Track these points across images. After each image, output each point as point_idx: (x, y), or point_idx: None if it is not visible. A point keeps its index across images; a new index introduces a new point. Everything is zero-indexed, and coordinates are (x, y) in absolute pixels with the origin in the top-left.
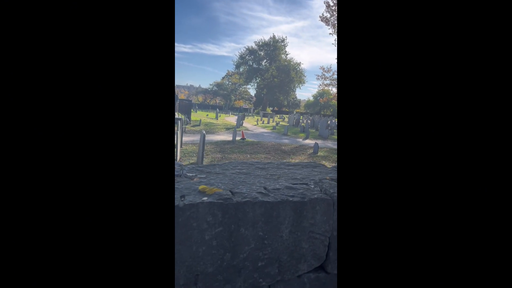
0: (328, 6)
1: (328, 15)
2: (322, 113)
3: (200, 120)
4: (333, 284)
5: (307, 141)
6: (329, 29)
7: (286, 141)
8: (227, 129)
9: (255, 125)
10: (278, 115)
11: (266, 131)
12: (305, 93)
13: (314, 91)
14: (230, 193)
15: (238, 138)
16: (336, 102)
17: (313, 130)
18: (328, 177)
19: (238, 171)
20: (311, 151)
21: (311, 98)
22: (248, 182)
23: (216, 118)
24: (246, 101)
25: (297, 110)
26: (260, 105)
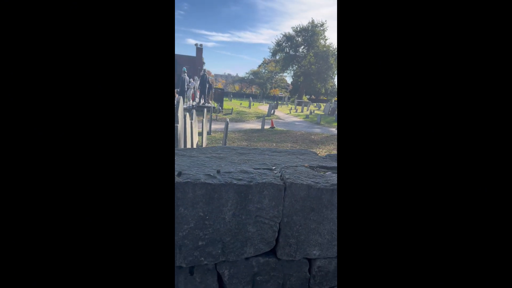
0: None
1: None
2: None
3: (232, 108)
4: (283, 270)
5: None
6: None
7: (317, 130)
8: (258, 117)
9: (288, 113)
10: (314, 104)
11: (298, 120)
12: None
13: None
14: (177, 173)
15: (267, 126)
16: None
17: None
18: (306, 165)
19: (215, 155)
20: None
21: None
22: (207, 165)
23: (249, 106)
24: (282, 89)
25: (335, 99)
26: (296, 93)
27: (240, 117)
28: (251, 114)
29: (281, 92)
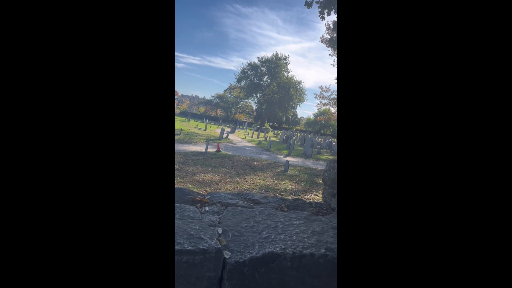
0: (328, 28)
1: (328, 37)
2: (322, 132)
3: (181, 129)
4: None
5: (288, 158)
6: (329, 50)
7: (264, 156)
8: (209, 140)
9: (243, 138)
10: (275, 131)
11: (250, 145)
12: (308, 111)
13: (316, 109)
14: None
15: (213, 150)
16: (336, 122)
17: (301, 148)
18: None
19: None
20: (282, 168)
21: (312, 117)
22: None
23: (205, 129)
24: (247, 115)
25: (297, 128)
26: (259, 120)
27: (189, 139)
28: (202, 137)
29: (245, 118)
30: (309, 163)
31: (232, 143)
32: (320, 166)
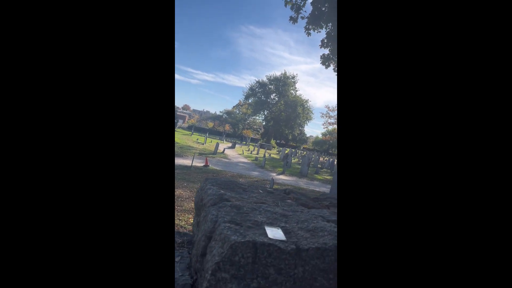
0: (322, 44)
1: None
2: (330, 151)
3: (177, 142)
4: None
5: (280, 176)
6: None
7: (255, 173)
8: (203, 154)
9: (240, 154)
10: (280, 148)
11: (245, 161)
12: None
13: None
14: None
15: (200, 164)
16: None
17: (299, 167)
18: None
19: None
20: (268, 186)
21: (321, 136)
22: None
23: (204, 142)
24: (254, 131)
25: (305, 146)
26: (265, 137)
27: (181, 152)
28: (196, 150)
29: (253, 134)
30: (302, 182)
31: (227, 158)
32: (313, 186)
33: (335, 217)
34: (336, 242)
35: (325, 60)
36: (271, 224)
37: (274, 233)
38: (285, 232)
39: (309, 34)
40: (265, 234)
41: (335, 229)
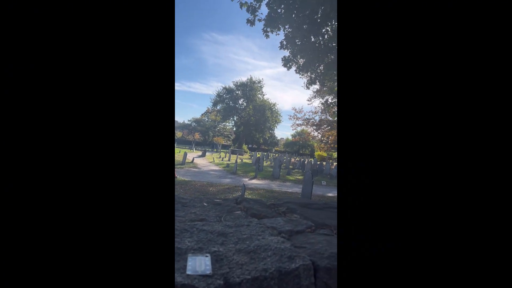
0: (281, 46)
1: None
2: (301, 152)
3: None
4: None
5: (253, 181)
6: (299, 75)
7: (226, 180)
8: None
9: (211, 162)
10: (252, 153)
11: (216, 168)
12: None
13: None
14: None
15: None
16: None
17: (271, 169)
18: None
19: None
20: (240, 193)
21: (290, 138)
22: None
23: None
24: (225, 138)
25: (277, 148)
26: (237, 142)
27: None
28: None
29: (224, 141)
30: (274, 185)
31: (196, 168)
32: (285, 187)
33: (290, 226)
34: (282, 265)
35: (286, 62)
36: (200, 250)
37: (198, 264)
38: (217, 259)
39: (267, 36)
40: (185, 268)
41: (283, 245)
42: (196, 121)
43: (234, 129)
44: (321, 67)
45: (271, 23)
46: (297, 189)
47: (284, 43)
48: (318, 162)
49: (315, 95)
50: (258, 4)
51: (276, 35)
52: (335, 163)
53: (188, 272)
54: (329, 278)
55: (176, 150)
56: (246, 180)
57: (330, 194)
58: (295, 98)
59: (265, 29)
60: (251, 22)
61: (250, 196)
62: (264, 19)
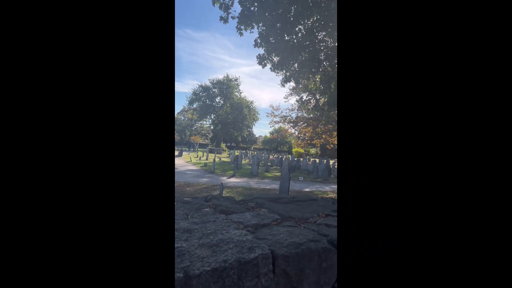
0: (256, 44)
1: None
2: (279, 149)
3: None
4: None
5: (231, 180)
6: (275, 72)
7: (204, 180)
8: None
9: (188, 161)
10: (231, 151)
11: (193, 168)
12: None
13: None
14: None
15: None
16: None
17: (250, 167)
18: None
19: None
20: (217, 192)
21: (269, 135)
22: None
23: None
24: (203, 137)
25: (255, 146)
26: (215, 141)
27: None
28: None
29: (202, 139)
30: (252, 182)
31: (175, 168)
32: (263, 184)
33: (256, 220)
34: (242, 255)
35: (261, 60)
36: None
37: None
38: (178, 254)
39: (241, 34)
40: None
41: (245, 238)
42: None
43: (212, 127)
44: (296, 65)
45: (244, 21)
46: (275, 185)
47: (259, 41)
48: (296, 159)
49: (291, 93)
50: (231, 2)
51: (250, 33)
52: (312, 159)
53: None
54: (287, 265)
55: None
56: (224, 179)
57: (307, 189)
58: (273, 96)
59: (238, 26)
60: (224, 20)
61: (228, 195)
62: (237, 17)
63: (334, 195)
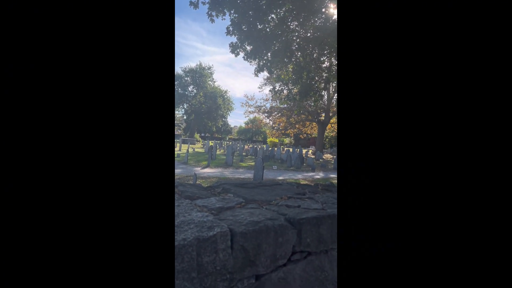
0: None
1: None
2: (254, 139)
3: None
4: None
5: (205, 170)
6: (250, 61)
7: (178, 171)
8: None
9: None
10: (205, 141)
11: None
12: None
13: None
14: None
15: None
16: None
17: (225, 157)
18: None
19: None
20: (191, 182)
21: (244, 125)
22: None
23: None
24: (176, 127)
25: (230, 136)
26: (188, 131)
27: None
28: None
29: (175, 130)
30: (227, 172)
31: None
32: (238, 174)
33: (221, 204)
34: (201, 234)
35: (234, 49)
36: None
37: None
38: None
39: (212, 20)
40: None
41: (206, 219)
42: None
43: (185, 117)
44: (269, 55)
45: (215, 7)
46: (250, 174)
47: (231, 28)
48: (270, 148)
49: (265, 82)
50: None
51: (222, 19)
52: (286, 148)
53: None
54: (245, 241)
55: None
56: (198, 170)
57: (280, 178)
58: (247, 85)
59: (209, 12)
60: (194, 5)
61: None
62: (208, 2)
63: (305, 182)
